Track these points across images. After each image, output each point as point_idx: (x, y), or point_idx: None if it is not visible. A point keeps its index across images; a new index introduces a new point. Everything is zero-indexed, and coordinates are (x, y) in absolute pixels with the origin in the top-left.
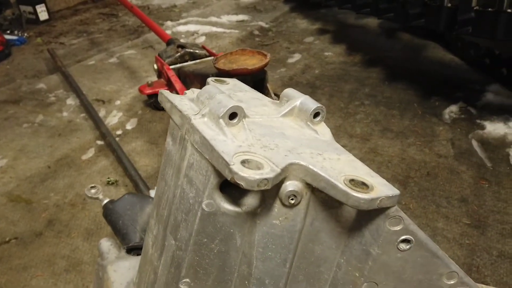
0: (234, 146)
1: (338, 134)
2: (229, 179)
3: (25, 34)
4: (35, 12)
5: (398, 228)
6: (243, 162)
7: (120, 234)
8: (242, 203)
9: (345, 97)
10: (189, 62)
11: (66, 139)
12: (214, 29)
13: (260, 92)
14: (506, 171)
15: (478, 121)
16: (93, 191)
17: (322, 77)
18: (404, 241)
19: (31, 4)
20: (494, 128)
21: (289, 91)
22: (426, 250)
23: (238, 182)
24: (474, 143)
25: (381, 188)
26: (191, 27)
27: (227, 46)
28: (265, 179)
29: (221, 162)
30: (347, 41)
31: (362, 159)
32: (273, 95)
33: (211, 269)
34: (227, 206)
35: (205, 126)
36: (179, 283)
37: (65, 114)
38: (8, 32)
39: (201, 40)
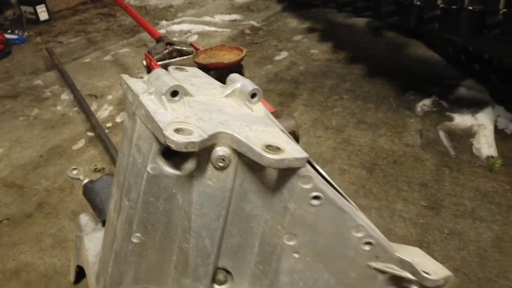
0: (171, 117)
1: (315, 126)
2: (163, 142)
3: (25, 34)
4: (35, 13)
5: (308, 186)
6: (177, 130)
7: (97, 210)
8: (182, 167)
9: (326, 92)
10: (177, 59)
11: (58, 131)
12: (207, 28)
13: None
14: (468, 159)
15: (448, 113)
16: (74, 172)
17: (306, 73)
18: (315, 197)
19: (31, 5)
20: (462, 120)
21: (234, 75)
22: (335, 206)
23: (169, 144)
24: (442, 134)
25: (292, 152)
26: (185, 26)
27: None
28: (192, 142)
29: (158, 130)
30: (333, 39)
31: (335, 149)
32: None
33: (158, 225)
34: (169, 170)
35: (150, 102)
36: (131, 237)
37: (59, 108)
38: (9, 31)
39: (193, 38)
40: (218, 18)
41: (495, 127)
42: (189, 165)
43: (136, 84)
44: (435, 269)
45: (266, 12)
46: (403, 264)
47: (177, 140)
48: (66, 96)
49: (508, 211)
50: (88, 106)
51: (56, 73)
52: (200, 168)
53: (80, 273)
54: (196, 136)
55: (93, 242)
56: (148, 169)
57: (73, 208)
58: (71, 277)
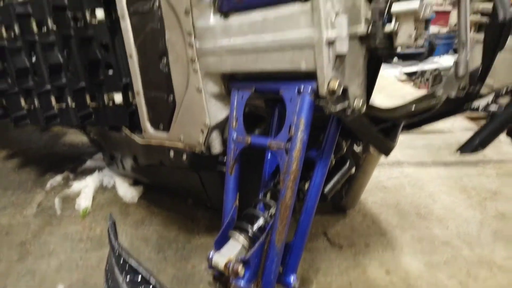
0: None
1: None
2: None
3: None
4: None
5: None
6: None
7: None
8: None
9: None
10: None
11: None
12: None
13: None
14: (69, 214)
15: (70, 183)
16: None
17: None
18: None
19: None
20: (78, 185)
21: None
22: None
23: None
24: (57, 200)
25: None
26: None
27: None
28: None
29: None
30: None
31: None
32: None
33: None
34: None
35: None
36: None
37: None
38: None
39: None
40: None
41: (101, 185)
42: None
43: None
44: None
45: None
46: None
47: None
48: None
49: (84, 241)
50: None
51: None
52: None
53: None
54: None
55: None
56: None
57: None
58: None
